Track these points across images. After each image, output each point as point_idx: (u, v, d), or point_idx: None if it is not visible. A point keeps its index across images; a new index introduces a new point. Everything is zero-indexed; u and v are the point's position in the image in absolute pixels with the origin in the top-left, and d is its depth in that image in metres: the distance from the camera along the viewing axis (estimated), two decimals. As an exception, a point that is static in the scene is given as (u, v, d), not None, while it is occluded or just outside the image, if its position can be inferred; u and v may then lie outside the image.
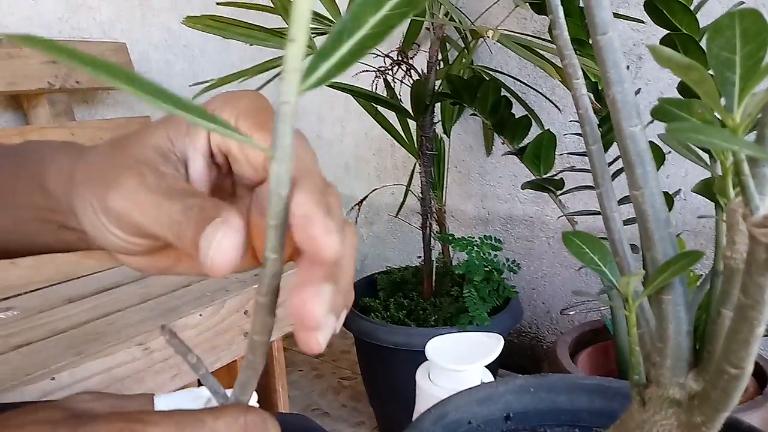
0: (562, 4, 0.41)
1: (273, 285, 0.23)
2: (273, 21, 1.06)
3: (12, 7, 1.22)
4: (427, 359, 0.60)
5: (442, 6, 1.14)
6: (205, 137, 0.31)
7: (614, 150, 0.46)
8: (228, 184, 0.33)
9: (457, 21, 1.10)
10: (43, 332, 0.88)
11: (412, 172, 1.35)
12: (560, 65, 0.96)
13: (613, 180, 0.42)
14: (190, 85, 1.23)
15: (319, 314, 0.23)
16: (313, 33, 1.15)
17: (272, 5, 1.05)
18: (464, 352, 0.56)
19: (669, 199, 0.90)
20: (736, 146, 0.26)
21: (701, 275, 0.97)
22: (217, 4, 1.07)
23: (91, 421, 0.26)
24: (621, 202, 0.53)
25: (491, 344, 0.56)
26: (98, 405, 0.28)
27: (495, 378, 0.56)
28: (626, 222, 0.47)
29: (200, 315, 0.92)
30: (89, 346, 0.82)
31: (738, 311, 0.32)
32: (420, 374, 0.62)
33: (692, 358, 0.39)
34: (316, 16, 1.17)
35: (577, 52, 0.51)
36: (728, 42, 0.30)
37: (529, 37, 1.10)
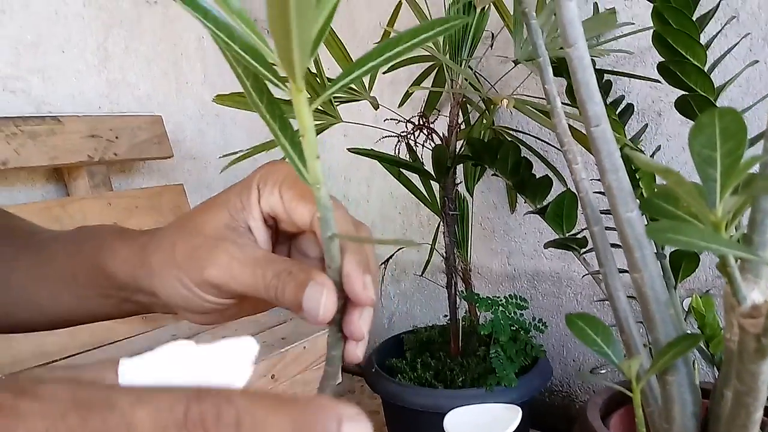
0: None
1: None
2: (298, 93, 1.11)
3: (55, 86, 1.31)
4: None
5: (460, 74, 1.18)
6: (258, 209, 0.37)
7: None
8: (275, 236, 0.39)
9: (476, 88, 1.14)
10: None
11: (437, 230, 1.37)
12: (576, 128, 0.98)
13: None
14: (220, 156, 1.29)
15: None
16: (336, 101, 1.20)
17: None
18: (482, 425, 0.56)
19: (695, 255, 0.90)
20: (715, 245, 0.28)
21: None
22: (213, 100, 1.13)
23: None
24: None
25: (510, 417, 0.56)
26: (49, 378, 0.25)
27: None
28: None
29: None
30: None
31: (735, 397, 0.32)
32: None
33: (699, 439, 0.39)
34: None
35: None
36: (709, 140, 0.32)
37: (546, 100, 1.12)
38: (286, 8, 0.21)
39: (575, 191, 0.41)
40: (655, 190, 0.48)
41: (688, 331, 0.97)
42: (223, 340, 0.35)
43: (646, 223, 0.41)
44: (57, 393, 0.21)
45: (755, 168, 0.33)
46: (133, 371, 0.25)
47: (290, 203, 0.36)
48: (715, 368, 0.84)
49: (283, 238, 0.39)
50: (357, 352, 0.34)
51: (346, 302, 0.33)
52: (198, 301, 0.36)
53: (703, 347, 0.86)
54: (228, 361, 0.27)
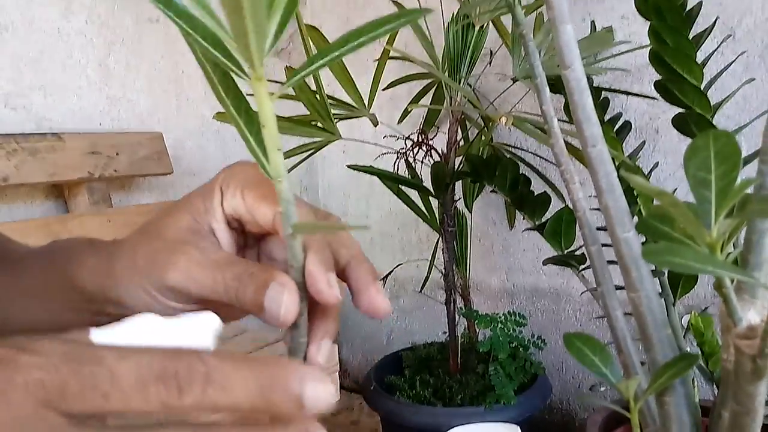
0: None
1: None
2: (298, 109, 1.12)
3: (56, 103, 1.31)
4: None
5: (459, 91, 1.19)
6: (221, 211, 0.36)
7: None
8: (242, 239, 0.38)
9: (474, 105, 1.15)
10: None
11: (435, 247, 1.37)
12: (575, 145, 0.98)
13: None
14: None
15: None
16: (336, 118, 1.21)
17: (294, 92, 1.11)
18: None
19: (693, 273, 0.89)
20: (711, 267, 0.28)
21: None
22: (214, 117, 1.14)
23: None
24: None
25: (508, 435, 0.56)
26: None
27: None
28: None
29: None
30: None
31: (732, 417, 0.32)
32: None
33: (698, 460, 0.39)
34: (339, 102, 1.23)
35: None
36: (704, 162, 0.32)
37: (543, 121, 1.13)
38: None
39: (573, 210, 0.42)
40: (652, 208, 0.48)
41: (687, 349, 0.97)
42: (186, 315, 0.36)
43: (643, 241, 0.41)
44: (52, 348, 0.24)
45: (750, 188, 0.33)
46: (105, 340, 0.25)
47: (252, 203, 0.35)
48: (714, 386, 0.84)
49: (252, 241, 0.39)
50: (318, 358, 0.33)
51: (311, 305, 0.32)
52: (161, 307, 0.35)
53: (703, 365, 0.86)
54: (192, 333, 0.27)
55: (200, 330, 0.28)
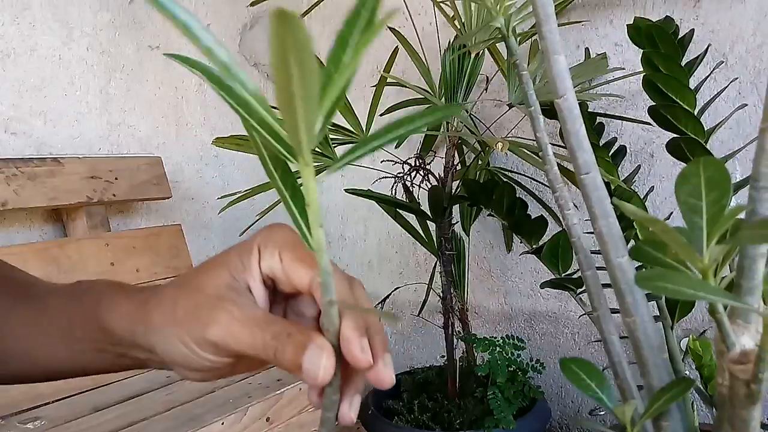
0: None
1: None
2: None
3: (57, 128, 1.33)
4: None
5: (456, 117, 1.20)
6: (258, 270, 0.38)
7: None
8: (272, 296, 0.40)
9: (471, 130, 1.16)
10: (70, 443, 0.90)
11: (433, 270, 1.38)
12: (571, 169, 0.99)
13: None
14: (219, 197, 1.30)
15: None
16: (334, 143, 1.22)
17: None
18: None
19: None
20: (703, 293, 0.29)
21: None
22: (213, 143, 1.15)
23: None
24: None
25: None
26: None
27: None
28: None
29: (222, 423, 0.93)
30: (114, 459, 0.83)
31: (728, 443, 0.32)
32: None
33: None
34: (337, 128, 1.24)
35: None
36: (695, 189, 0.33)
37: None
38: (291, 94, 0.23)
39: (569, 236, 0.42)
40: (646, 234, 0.49)
41: (686, 373, 0.97)
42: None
43: (637, 266, 0.42)
44: None
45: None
46: None
47: (290, 266, 0.37)
48: (714, 409, 0.84)
49: (280, 298, 0.41)
50: (351, 414, 0.36)
51: (343, 365, 0.34)
52: (196, 359, 0.36)
53: (702, 388, 0.86)
54: None
55: None
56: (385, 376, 0.34)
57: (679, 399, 0.36)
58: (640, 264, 0.42)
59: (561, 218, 0.44)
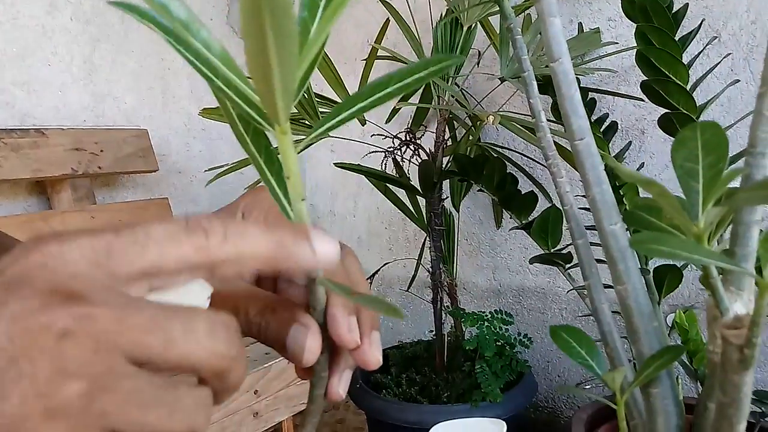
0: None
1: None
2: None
3: (40, 99, 1.30)
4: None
5: (447, 90, 1.19)
6: None
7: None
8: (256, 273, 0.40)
9: (462, 104, 1.15)
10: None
11: (423, 246, 1.37)
12: (561, 144, 0.99)
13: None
14: (206, 170, 1.29)
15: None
16: (323, 116, 1.20)
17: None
18: (467, 440, 0.56)
19: (678, 271, 0.90)
20: (698, 256, 0.28)
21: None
22: (200, 114, 1.13)
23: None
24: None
25: (495, 431, 0.56)
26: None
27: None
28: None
29: (212, 396, 0.93)
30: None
31: (718, 409, 0.32)
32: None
33: (684, 451, 0.39)
34: (327, 101, 1.23)
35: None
36: (691, 153, 0.32)
37: (531, 117, 1.14)
38: (267, 59, 0.22)
39: (560, 205, 0.42)
40: (639, 201, 0.49)
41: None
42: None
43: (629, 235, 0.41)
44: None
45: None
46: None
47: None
48: (698, 383, 0.84)
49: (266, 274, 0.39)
50: (340, 390, 0.34)
51: (331, 342, 0.33)
52: None
53: (687, 362, 0.87)
54: (183, 300, 0.28)
55: (192, 297, 0.28)
56: (371, 357, 0.33)
57: (669, 366, 0.36)
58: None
59: (554, 191, 0.44)
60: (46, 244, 0.24)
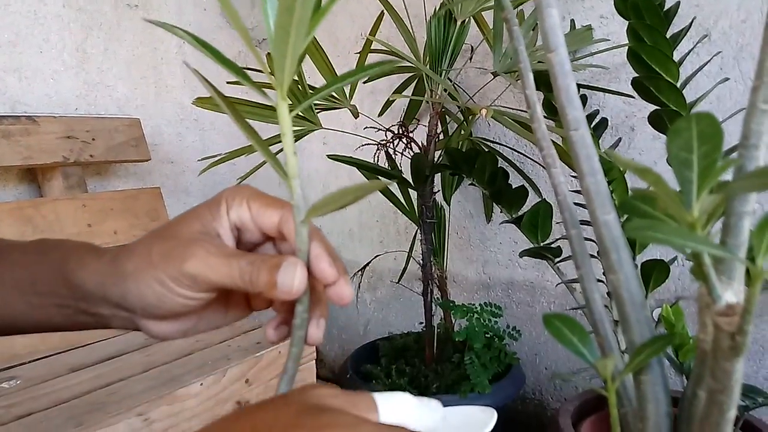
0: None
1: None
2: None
3: (32, 86, 1.29)
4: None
5: (440, 84, 1.19)
6: (227, 219, 0.41)
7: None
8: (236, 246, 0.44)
9: (454, 98, 1.16)
10: (44, 402, 0.89)
11: (414, 238, 1.38)
12: (554, 140, 0.99)
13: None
14: (199, 160, 1.28)
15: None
16: (317, 109, 1.21)
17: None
18: (457, 427, 0.56)
19: (665, 266, 0.92)
20: (692, 243, 0.29)
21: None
22: (228, 83, 1.13)
23: (327, 412, 0.30)
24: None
25: (484, 418, 0.56)
26: (334, 401, 0.33)
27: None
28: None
29: (201, 384, 0.93)
30: (90, 417, 0.83)
31: (708, 395, 0.33)
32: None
33: (672, 437, 0.40)
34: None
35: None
36: (686, 143, 0.33)
37: (523, 112, 1.15)
38: (288, 30, 0.25)
39: (554, 194, 0.42)
40: (634, 191, 0.50)
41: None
42: (466, 407, 0.42)
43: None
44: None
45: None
46: (386, 407, 0.34)
47: (259, 211, 0.40)
48: (684, 377, 0.86)
49: (243, 249, 0.43)
50: (319, 334, 0.39)
51: (312, 286, 0.37)
52: (171, 297, 0.38)
53: (673, 356, 0.88)
54: (465, 424, 0.33)
55: (474, 422, 0.33)
56: (346, 290, 0.38)
57: (660, 353, 0.37)
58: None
59: (543, 186, 0.45)
60: None
